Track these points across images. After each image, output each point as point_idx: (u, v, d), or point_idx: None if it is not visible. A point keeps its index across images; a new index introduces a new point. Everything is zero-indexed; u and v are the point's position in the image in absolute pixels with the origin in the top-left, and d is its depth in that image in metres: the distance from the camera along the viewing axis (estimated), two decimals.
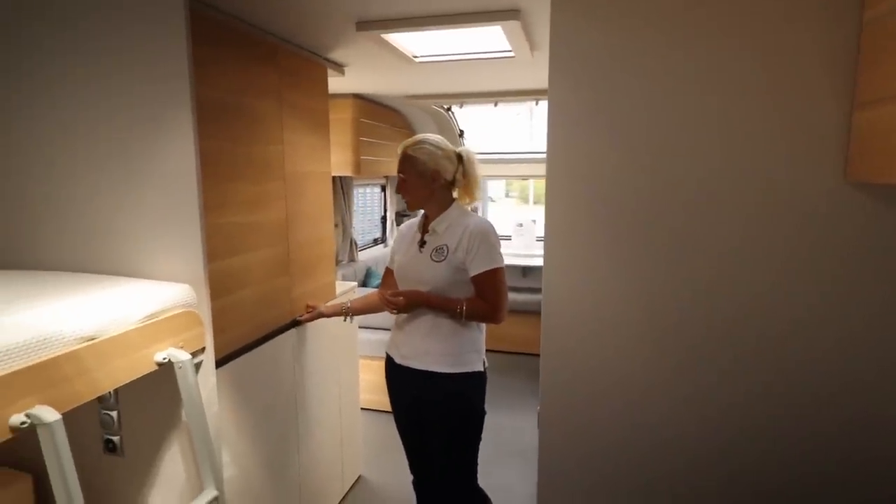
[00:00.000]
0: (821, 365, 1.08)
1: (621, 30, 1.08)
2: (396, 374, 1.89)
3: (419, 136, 1.82)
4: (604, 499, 1.23)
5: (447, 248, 1.74)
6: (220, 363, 1.50)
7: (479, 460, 1.88)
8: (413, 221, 1.93)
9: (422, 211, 1.88)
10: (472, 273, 1.71)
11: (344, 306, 2.05)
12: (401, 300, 1.75)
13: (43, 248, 1.46)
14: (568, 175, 1.15)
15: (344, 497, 2.64)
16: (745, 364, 1.11)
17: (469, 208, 1.86)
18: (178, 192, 1.34)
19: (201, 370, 1.38)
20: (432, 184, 1.78)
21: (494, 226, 1.78)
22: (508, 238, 5.36)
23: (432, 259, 1.76)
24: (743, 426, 1.14)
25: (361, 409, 2.90)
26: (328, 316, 2.13)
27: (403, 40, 2.02)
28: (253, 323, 1.77)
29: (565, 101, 1.12)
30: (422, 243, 1.82)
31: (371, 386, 3.48)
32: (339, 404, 2.53)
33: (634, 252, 1.14)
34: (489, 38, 1.99)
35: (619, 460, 1.22)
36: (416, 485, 2.04)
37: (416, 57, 2.22)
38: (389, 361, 1.92)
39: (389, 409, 3.52)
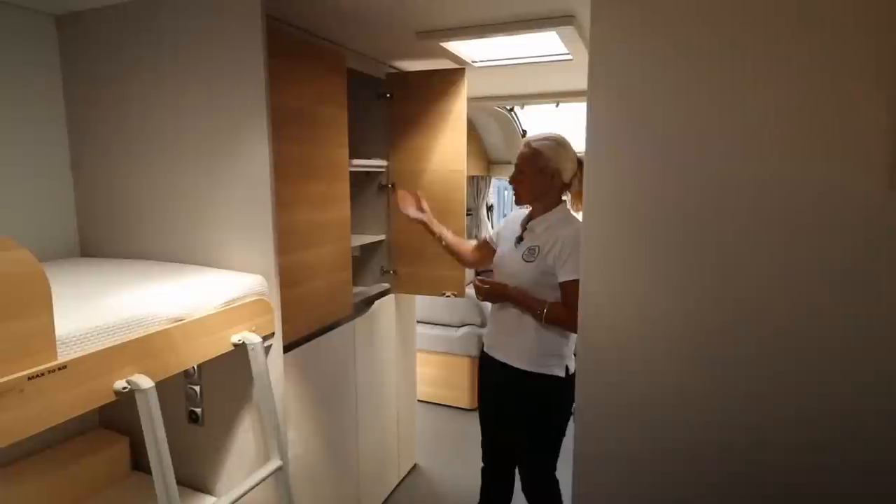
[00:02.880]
0: (867, 384, 1.03)
1: (663, 36, 1.09)
2: (485, 361, 1.97)
3: (546, 132, 1.83)
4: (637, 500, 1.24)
5: (539, 249, 1.76)
6: (287, 349, 1.65)
7: None
8: (521, 213, 1.95)
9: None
10: (560, 279, 1.71)
11: (443, 235, 2.06)
12: (487, 288, 1.82)
13: (141, 240, 1.67)
14: (605, 183, 1.17)
15: (399, 483, 2.76)
16: (787, 376, 1.08)
17: (576, 214, 1.84)
18: (254, 192, 1.49)
19: (270, 353, 1.52)
20: (550, 181, 1.78)
21: None
22: None
23: (524, 258, 1.80)
24: (784, 442, 1.10)
25: (418, 400, 3.01)
26: (428, 228, 2.08)
27: (462, 47, 2.10)
28: (318, 313, 1.91)
29: (603, 107, 1.15)
30: (520, 239, 1.86)
31: (427, 378, 3.60)
32: (397, 394, 2.65)
33: (672, 260, 1.13)
34: (546, 42, 2.02)
35: (658, 473, 1.21)
36: (486, 472, 2.11)
37: (474, 62, 2.29)
38: (482, 348, 2.01)
39: (446, 402, 3.64)
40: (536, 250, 1.77)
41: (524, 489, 1.97)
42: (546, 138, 1.81)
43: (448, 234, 2.09)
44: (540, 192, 1.81)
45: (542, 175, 1.79)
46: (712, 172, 1.09)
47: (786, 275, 1.06)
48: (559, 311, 1.72)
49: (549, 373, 1.78)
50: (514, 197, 1.89)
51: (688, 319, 1.14)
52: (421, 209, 2.10)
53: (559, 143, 1.80)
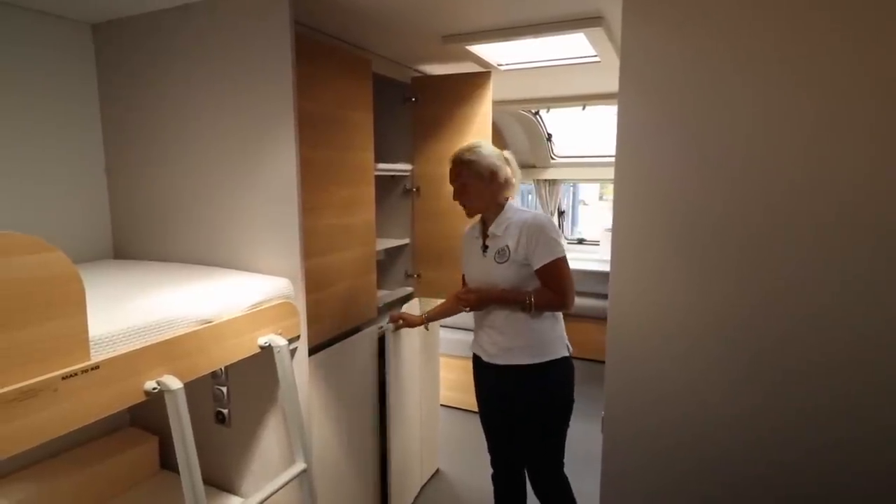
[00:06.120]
0: (889, 383, 1.01)
1: (695, 37, 1.07)
2: (484, 372, 1.97)
3: (470, 143, 1.90)
4: (669, 502, 1.22)
5: (508, 248, 1.81)
6: (312, 352, 1.66)
7: None
8: (474, 227, 1.99)
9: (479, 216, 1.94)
10: (535, 266, 1.77)
11: (423, 317, 2.17)
12: (472, 297, 1.85)
13: (172, 242, 1.70)
14: (637, 183, 1.15)
15: (422, 488, 2.75)
16: (808, 377, 1.07)
17: (517, 205, 1.92)
18: (281, 197, 1.50)
19: (296, 356, 1.53)
20: (491, 184, 1.84)
21: (553, 221, 1.85)
22: (597, 243, 5.23)
23: (496, 261, 1.83)
24: (805, 441, 1.09)
25: (440, 405, 3.00)
26: (412, 326, 2.24)
27: (487, 50, 2.09)
28: (342, 316, 1.92)
29: (635, 108, 1.13)
30: (484, 248, 1.90)
31: (449, 383, 3.58)
32: (420, 399, 2.64)
33: (703, 261, 1.12)
34: (574, 44, 2.00)
35: (682, 469, 1.20)
36: (496, 479, 2.10)
37: (500, 65, 2.28)
38: (476, 360, 2.01)
39: (468, 407, 3.62)
40: (506, 250, 1.81)
41: (536, 487, 1.97)
42: (472, 148, 1.86)
43: (430, 311, 2.18)
44: (487, 198, 1.86)
45: (481, 181, 1.84)
46: (741, 174, 1.08)
47: (809, 276, 1.05)
48: (545, 295, 1.77)
49: (555, 356, 1.83)
50: (465, 212, 1.93)
51: (711, 318, 1.15)
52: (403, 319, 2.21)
53: (482, 147, 1.86)
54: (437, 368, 2.88)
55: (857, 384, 1.05)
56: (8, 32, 1.52)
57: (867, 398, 1.04)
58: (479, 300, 1.85)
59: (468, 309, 1.91)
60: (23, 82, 1.57)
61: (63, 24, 1.65)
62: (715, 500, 1.18)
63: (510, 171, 1.89)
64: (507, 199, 1.90)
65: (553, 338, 1.84)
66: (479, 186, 1.85)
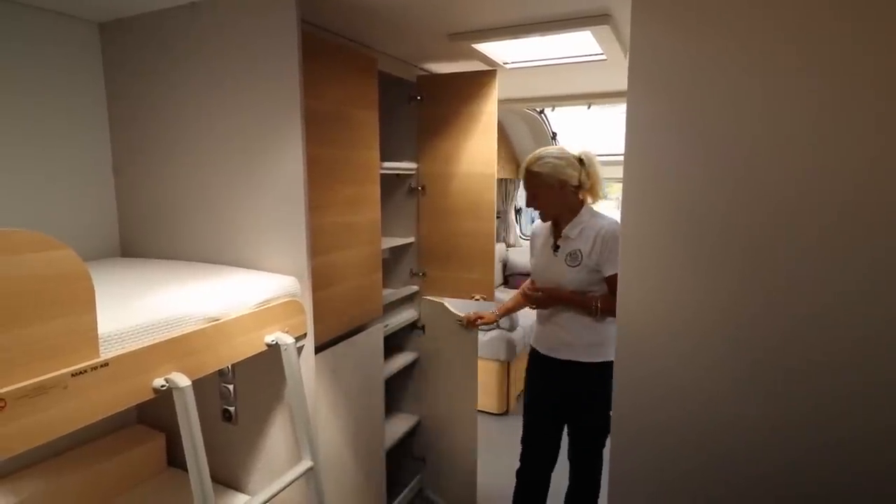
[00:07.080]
0: (893, 384, 1.01)
1: (704, 35, 1.06)
2: (540, 365, 2.02)
3: (539, 152, 1.93)
4: (674, 501, 1.22)
5: (581, 252, 1.86)
6: (318, 349, 1.66)
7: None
8: (545, 225, 2.04)
9: None
10: (606, 273, 1.82)
11: (496, 313, 2.30)
12: (541, 295, 1.91)
13: (179, 241, 1.71)
14: (644, 181, 1.16)
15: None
16: (813, 376, 1.07)
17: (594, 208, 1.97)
18: (288, 196, 1.50)
19: (302, 354, 1.53)
20: (560, 192, 1.89)
21: None
22: None
23: (567, 264, 1.88)
24: (819, 439, 1.09)
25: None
26: (489, 323, 2.35)
27: (493, 48, 2.08)
28: (348, 314, 1.92)
29: (643, 107, 1.13)
30: (555, 247, 1.94)
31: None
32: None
33: (709, 259, 1.13)
34: (580, 42, 1.99)
35: (686, 467, 1.21)
36: (521, 474, 2.13)
37: (505, 64, 2.27)
38: (534, 353, 2.06)
39: (480, 408, 3.60)
40: (578, 254, 1.86)
41: (576, 459, 2.02)
42: (541, 157, 1.91)
43: (502, 307, 2.30)
44: (558, 205, 1.92)
45: (550, 190, 1.89)
46: (747, 173, 1.08)
47: (813, 275, 1.06)
48: (611, 302, 1.82)
49: (613, 358, 1.87)
50: (540, 216, 2.01)
51: (717, 316, 1.15)
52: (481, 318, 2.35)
53: (554, 157, 1.89)
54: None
55: (859, 384, 1.05)
56: (16, 31, 1.53)
57: (870, 398, 1.04)
58: (548, 299, 1.91)
59: (534, 306, 1.97)
60: (31, 81, 1.57)
61: (71, 23, 1.65)
62: (718, 499, 1.18)
63: (586, 174, 1.90)
64: (582, 202, 1.92)
65: (613, 340, 1.87)
66: (549, 195, 1.90)
